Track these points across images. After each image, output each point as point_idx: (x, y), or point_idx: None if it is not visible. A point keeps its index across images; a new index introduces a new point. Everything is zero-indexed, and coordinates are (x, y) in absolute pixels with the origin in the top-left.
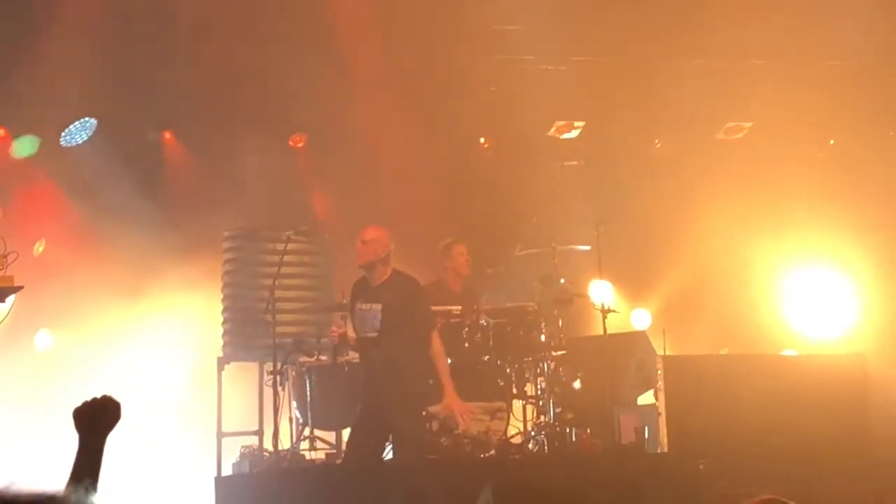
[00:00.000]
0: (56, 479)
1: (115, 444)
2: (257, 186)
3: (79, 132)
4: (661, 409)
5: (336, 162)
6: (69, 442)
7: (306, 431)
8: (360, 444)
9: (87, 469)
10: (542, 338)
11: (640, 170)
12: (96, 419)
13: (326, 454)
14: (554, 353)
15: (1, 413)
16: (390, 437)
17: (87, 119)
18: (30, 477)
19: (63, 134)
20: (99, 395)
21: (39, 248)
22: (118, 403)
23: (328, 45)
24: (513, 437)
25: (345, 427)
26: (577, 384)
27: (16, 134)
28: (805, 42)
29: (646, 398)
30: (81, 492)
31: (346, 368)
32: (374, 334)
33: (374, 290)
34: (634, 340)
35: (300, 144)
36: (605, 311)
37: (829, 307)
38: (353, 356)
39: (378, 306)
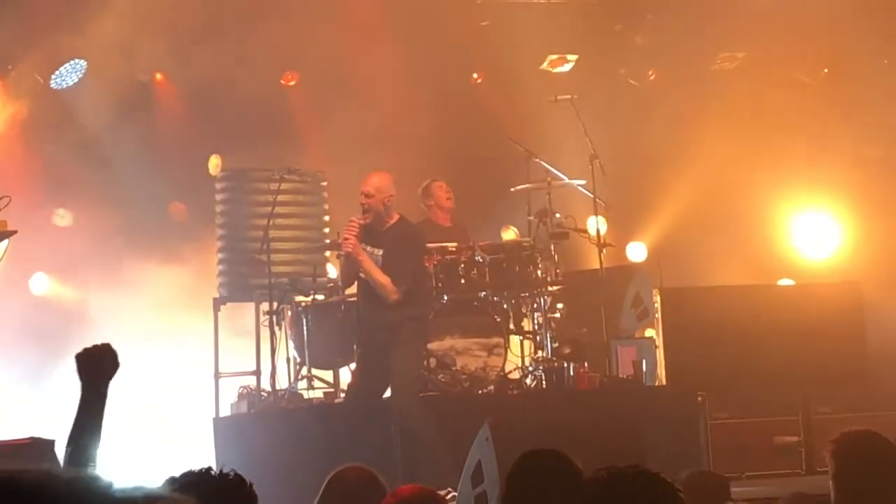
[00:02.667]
0: (57, 423)
1: (112, 386)
2: (249, 126)
3: (69, 74)
4: (659, 341)
5: (328, 100)
6: (66, 385)
7: (304, 371)
8: (359, 387)
9: (90, 415)
10: (539, 273)
11: (634, 103)
12: (97, 365)
13: (324, 393)
14: (550, 288)
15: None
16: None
17: (77, 61)
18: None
19: (53, 76)
20: (99, 343)
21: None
22: (115, 352)
23: None
24: (510, 372)
25: (342, 366)
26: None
27: (6, 76)
28: None
29: (643, 331)
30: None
31: (342, 307)
32: None
33: (379, 235)
34: (631, 273)
35: (292, 83)
36: (602, 245)
37: (822, 234)
38: (349, 294)
39: (380, 252)
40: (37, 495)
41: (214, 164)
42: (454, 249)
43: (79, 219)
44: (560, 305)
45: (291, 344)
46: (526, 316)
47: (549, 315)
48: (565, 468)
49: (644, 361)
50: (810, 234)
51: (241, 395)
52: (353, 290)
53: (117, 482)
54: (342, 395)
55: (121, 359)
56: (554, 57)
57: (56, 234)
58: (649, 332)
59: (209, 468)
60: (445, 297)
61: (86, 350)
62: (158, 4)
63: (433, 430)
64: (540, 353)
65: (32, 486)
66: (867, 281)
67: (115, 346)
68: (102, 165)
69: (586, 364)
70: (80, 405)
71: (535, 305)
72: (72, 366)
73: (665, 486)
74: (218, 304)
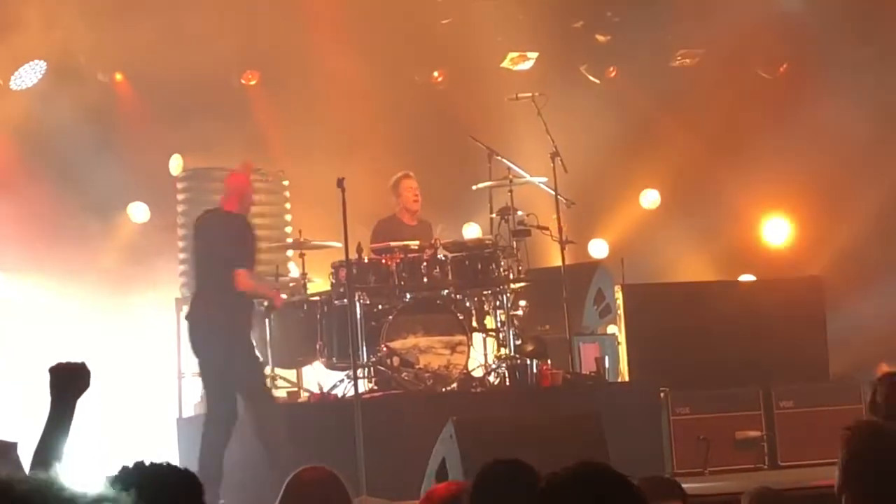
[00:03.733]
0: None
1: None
2: (210, 126)
3: (28, 75)
4: (621, 338)
5: (289, 98)
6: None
7: (267, 370)
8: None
9: (58, 428)
10: (501, 270)
11: (595, 100)
12: (70, 381)
13: (288, 392)
14: (513, 286)
15: None
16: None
17: (36, 62)
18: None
19: (13, 77)
20: (76, 361)
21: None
22: (89, 371)
23: None
24: (474, 370)
25: (304, 365)
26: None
27: None
28: None
29: (606, 328)
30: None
31: (304, 306)
32: None
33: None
34: (593, 270)
35: (253, 82)
36: (563, 242)
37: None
38: (312, 294)
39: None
40: None
41: (176, 164)
42: (417, 248)
43: (37, 219)
44: (523, 303)
45: (254, 343)
46: (489, 313)
47: (511, 312)
48: (527, 479)
49: (606, 358)
50: (772, 230)
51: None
52: (315, 287)
53: (71, 485)
54: (305, 394)
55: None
56: (514, 55)
57: (11, 233)
58: (611, 329)
59: (143, 462)
60: (408, 296)
61: (59, 364)
62: (118, 4)
63: (401, 425)
64: (503, 351)
65: None
66: (828, 276)
67: (88, 366)
68: (62, 166)
69: (549, 361)
70: (49, 418)
71: (498, 303)
72: (36, 371)
73: (625, 486)
74: (180, 303)
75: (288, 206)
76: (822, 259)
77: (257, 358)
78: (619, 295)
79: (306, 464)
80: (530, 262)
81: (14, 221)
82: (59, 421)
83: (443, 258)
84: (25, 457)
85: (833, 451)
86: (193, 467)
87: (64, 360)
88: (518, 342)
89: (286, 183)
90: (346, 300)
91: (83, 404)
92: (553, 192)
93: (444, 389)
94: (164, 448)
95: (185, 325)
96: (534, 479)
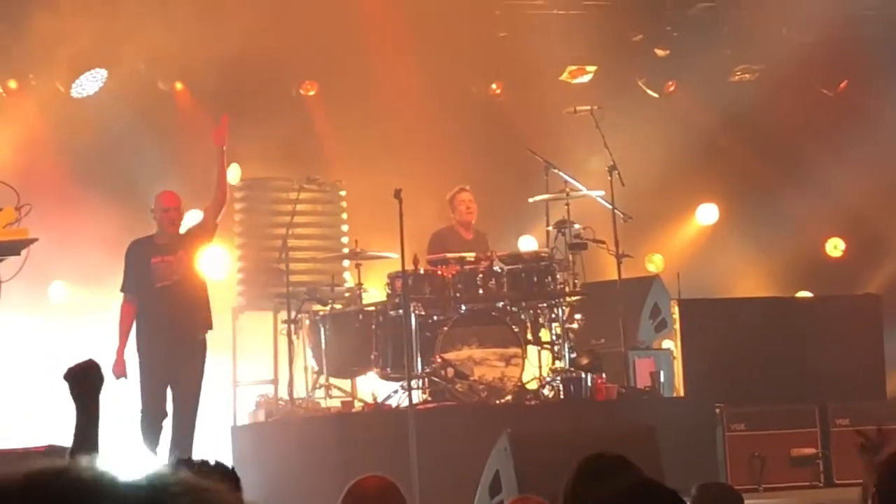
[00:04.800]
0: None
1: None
2: (269, 135)
3: (90, 83)
4: (677, 352)
5: (347, 109)
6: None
7: (321, 380)
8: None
9: (88, 431)
10: (557, 283)
11: (653, 113)
12: (85, 381)
13: (342, 402)
14: (568, 299)
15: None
16: None
17: (97, 70)
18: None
19: (74, 85)
20: (83, 360)
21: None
22: (99, 365)
23: None
24: (528, 382)
25: (359, 375)
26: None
27: (27, 86)
28: None
29: (661, 342)
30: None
31: (359, 316)
32: None
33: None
34: (649, 284)
35: (311, 92)
36: (620, 256)
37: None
38: (367, 304)
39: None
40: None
41: (234, 173)
42: (473, 260)
43: (94, 228)
44: (578, 316)
45: (309, 352)
46: (544, 326)
47: (567, 326)
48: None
49: (661, 372)
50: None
51: (258, 404)
52: (373, 298)
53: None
54: (359, 404)
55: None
56: (573, 68)
57: (76, 243)
58: (667, 343)
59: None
60: (464, 307)
61: (70, 370)
62: (179, 14)
63: (456, 437)
64: (558, 364)
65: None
66: (886, 294)
67: (97, 360)
68: (121, 174)
69: (604, 375)
70: (78, 421)
71: (553, 316)
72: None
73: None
74: (236, 312)
75: (345, 216)
76: (881, 277)
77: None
78: (675, 310)
79: (359, 474)
80: (586, 276)
81: (72, 231)
82: (87, 420)
83: (499, 270)
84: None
85: None
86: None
87: (72, 364)
88: (573, 355)
89: (343, 193)
90: (401, 311)
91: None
92: (610, 206)
93: (497, 402)
94: (219, 456)
95: (240, 332)
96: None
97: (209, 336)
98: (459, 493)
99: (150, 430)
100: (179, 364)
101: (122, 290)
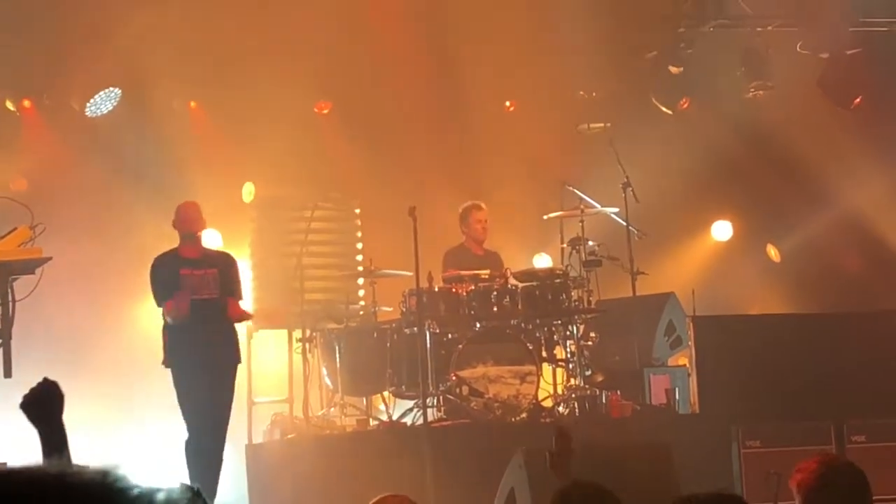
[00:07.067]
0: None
1: (148, 412)
2: (283, 154)
3: (104, 102)
4: (692, 369)
5: (362, 128)
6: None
7: (336, 398)
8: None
9: (56, 452)
10: (572, 301)
11: (668, 131)
12: (45, 406)
13: (357, 420)
14: (583, 316)
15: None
16: None
17: (111, 89)
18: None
19: (88, 104)
20: (36, 385)
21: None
22: (56, 384)
23: (354, 13)
24: (543, 400)
25: (374, 393)
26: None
27: (41, 105)
28: None
29: (676, 359)
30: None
31: (374, 334)
32: None
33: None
34: (664, 301)
35: (326, 111)
36: (634, 273)
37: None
38: (382, 322)
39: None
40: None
41: (248, 191)
42: (487, 277)
43: (109, 246)
44: (593, 333)
45: (324, 371)
46: (559, 344)
47: (581, 343)
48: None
49: (677, 390)
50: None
51: (273, 422)
52: (387, 316)
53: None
54: (374, 422)
55: (104, 387)
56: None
57: (91, 263)
58: (682, 361)
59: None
60: (478, 325)
61: (27, 397)
62: (192, 32)
63: (471, 455)
64: (573, 381)
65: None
66: None
67: (50, 378)
68: (136, 194)
69: (619, 392)
70: (43, 448)
71: (568, 333)
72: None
73: None
74: (250, 330)
75: (359, 234)
76: None
77: None
78: (690, 326)
79: (375, 492)
80: (601, 293)
81: (89, 248)
82: (53, 448)
83: (513, 288)
84: None
85: None
86: (262, 494)
87: (27, 392)
88: (588, 373)
89: (358, 211)
90: (416, 329)
91: (152, 424)
92: (624, 223)
93: (513, 419)
94: (233, 474)
95: (255, 350)
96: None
97: None
98: None
99: (197, 454)
100: (213, 379)
101: (158, 303)
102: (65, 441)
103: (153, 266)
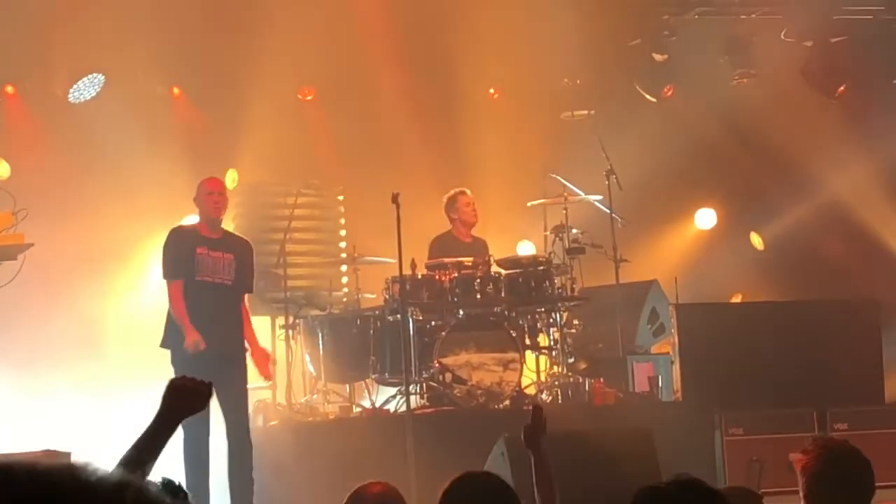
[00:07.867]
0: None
1: (130, 398)
2: (266, 140)
3: (87, 88)
4: (675, 357)
5: (345, 114)
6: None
7: (319, 385)
8: None
9: (154, 442)
10: (555, 288)
11: (652, 118)
12: (186, 399)
13: (340, 407)
14: (567, 304)
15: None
16: None
17: (94, 75)
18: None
19: (71, 90)
20: (202, 380)
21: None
22: (209, 395)
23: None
24: (526, 387)
25: (357, 380)
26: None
27: (24, 91)
28: None
29: (659, 347)
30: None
31: (357, 321)
32: None
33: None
34: (647, 289)
35: (309, 97)
36: (618, 261)
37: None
38: (365, 309)
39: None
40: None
41: (231, 178)
42: (470, 264)
43: (93, 231)
44: (576, 321)
45: (307, 357)
46: (542, 331)
47: (565, 330)
48: (500, 490)
49: (660, 377)
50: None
51: (256, 409)
52: (371, 303)
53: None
54: (357, 409)
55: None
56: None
57: (73, 247)
58: (665, 348)
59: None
60: (461, 312)
61: (183, 379)
62: (176, 19)
63: (454, 442)
64: (556, 369)
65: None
66: (885, 297)
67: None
68: (118, 179)
69: (602, 379)
70: (149, 429)
71: (551, 321)
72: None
73: (719, 500)
74: None
75: (342, 221)
76: (879, 281)
77: None
78: (673, 314)
79: (357, 479)
80: (584, 280)
81: (70, 233)
82: (158, 435)
83: (496, 275)
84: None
85: (889, 474)
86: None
87: (188, 376)
88: (571, 360)
89: (341, 198)
90: (399, 316)
91: (137, 413)
92: (608, 210)
93: (495, 406)
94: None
95: None
96: (509, 493)
97: None
98: None
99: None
100: (223, 367)
101: (165, 276)
102: (168, 437)
103: (169, 237)
